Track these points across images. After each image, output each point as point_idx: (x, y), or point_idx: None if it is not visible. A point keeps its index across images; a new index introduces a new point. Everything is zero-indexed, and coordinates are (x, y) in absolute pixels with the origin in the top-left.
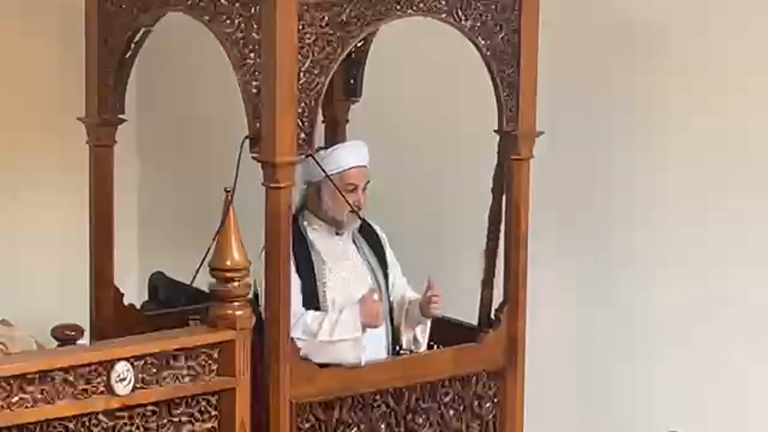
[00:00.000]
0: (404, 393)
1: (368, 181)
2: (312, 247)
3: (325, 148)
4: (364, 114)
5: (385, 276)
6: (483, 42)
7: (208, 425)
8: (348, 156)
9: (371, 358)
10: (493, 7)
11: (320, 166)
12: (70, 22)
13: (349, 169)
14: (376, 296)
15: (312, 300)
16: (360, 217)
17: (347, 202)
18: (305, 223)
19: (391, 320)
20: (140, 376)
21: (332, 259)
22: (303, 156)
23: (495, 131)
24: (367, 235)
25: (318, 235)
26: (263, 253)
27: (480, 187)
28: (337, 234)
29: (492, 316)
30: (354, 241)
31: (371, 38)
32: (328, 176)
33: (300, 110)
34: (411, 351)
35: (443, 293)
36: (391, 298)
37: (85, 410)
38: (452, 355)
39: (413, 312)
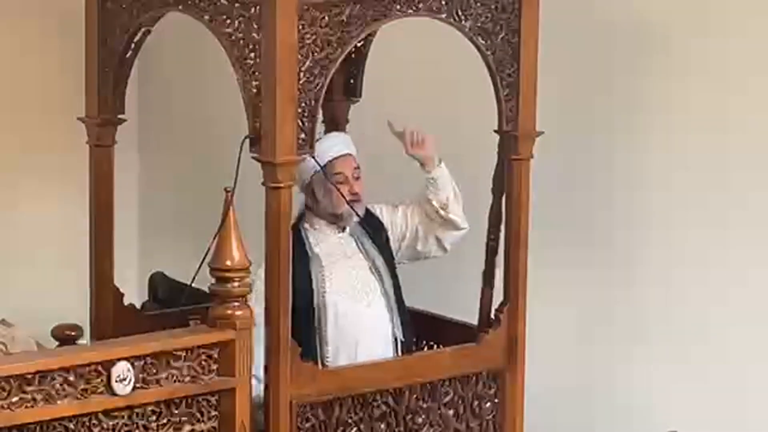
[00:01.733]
0: (404, 393)
1: (357, 168)
2: (311, 250)
3: None
4: (364, 114)
5: (391, 272)
6: (483, 42)
7: (208, 425)
8: (328, 147)
9: (372, 358)
10: (493, 7)
11: (316, 160)
12: (70, 22)
13: (333, 159)
14: None
15: (309, 312)
16: (354, 210)
17: (340, 193)
18: (306, 226)
19: (399, 316)
20: (140, 376)
21: (332, 261)
22: (303, 156)
23: (495, 131)
24: (370, 225)
25: (319, 236)
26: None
27: (480, 187)
28: (340, 231)
29: (492, 316)
30: (356, 239)
31: (371, 38)
32: (322, 168)
33: (300, 110)
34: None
35: (444, 292)
36: (403, 247)
37: (85, 410)
38: (452, 355)
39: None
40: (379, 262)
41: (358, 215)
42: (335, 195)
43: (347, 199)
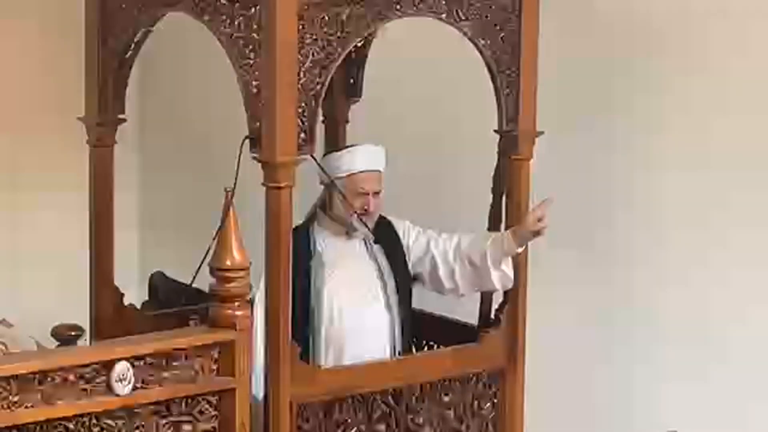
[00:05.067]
0: (404, 393)
1: (380, 189)
2: (315, 248)
3: (339, 149)
4: (364, 114)
5: (396, 279)
6: (483, 42)
7: (208, 425)
8: (359, 159)
9: (371, 358)
10: (493, 7)
11: (321, 168)
12: (70, 23)
13: (358, 172)
14: None
15: (306, 309)
16: (364, 223)
17: (351, 206)
18: (316, 224)
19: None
20: (140, 376)
21: (335, 260)
22: (303, 156)
23: (495, 131)
24: (384, 232)
25: (326, 234)
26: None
27: (480, 187)
28: (347, 234)
29: (492, 316)
30: (366, 243)
31: (371, 38)
32: (331, 180)
33: (300, 110)
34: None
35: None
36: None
37: (85, 410)
38: (452, 355)
39: (498, 245)
40: (386, 268)
41: (365, 231)
42: (347, 205)
43: (358, 213)
